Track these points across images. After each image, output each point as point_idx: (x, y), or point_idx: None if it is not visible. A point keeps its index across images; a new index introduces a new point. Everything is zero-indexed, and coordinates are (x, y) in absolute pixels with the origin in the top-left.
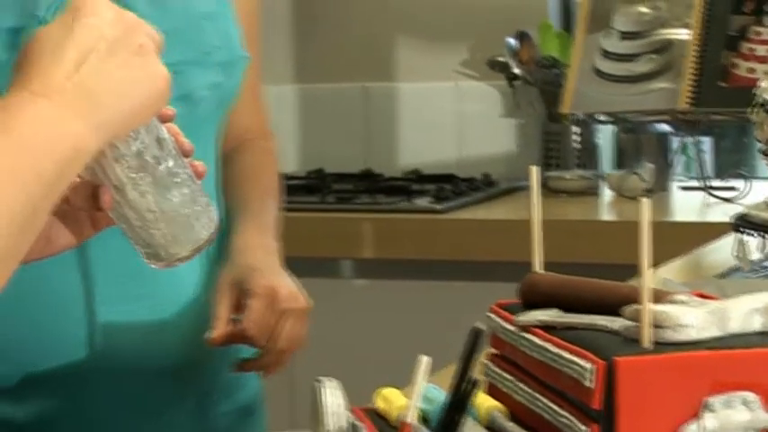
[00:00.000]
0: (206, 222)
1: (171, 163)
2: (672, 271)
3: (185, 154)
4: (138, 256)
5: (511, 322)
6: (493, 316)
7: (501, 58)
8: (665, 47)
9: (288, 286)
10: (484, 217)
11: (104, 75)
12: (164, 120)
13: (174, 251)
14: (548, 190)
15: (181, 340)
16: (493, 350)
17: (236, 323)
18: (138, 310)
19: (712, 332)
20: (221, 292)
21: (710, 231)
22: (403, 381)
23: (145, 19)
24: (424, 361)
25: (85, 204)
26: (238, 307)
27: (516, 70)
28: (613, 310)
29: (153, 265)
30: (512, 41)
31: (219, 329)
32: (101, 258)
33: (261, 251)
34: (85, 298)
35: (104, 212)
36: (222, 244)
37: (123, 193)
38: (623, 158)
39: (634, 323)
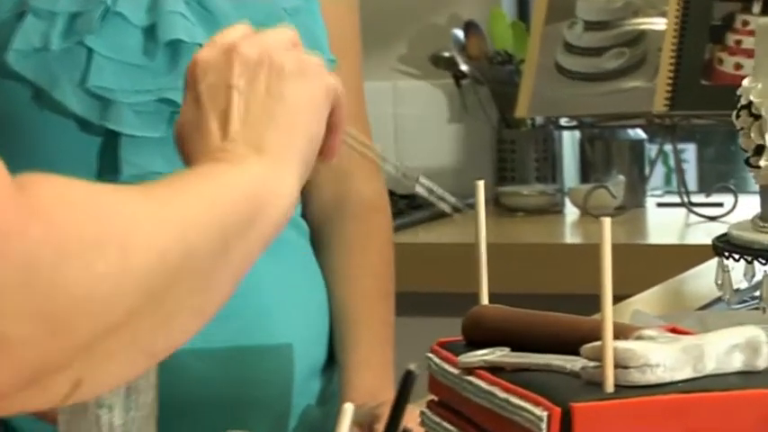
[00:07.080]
0: None
1: None
2: (647, 301)
3: None
4: None
5: (453, 363)
6: (432, 356)
7: (446, 54)
8: (638, 39)
9: None
10: (425, 240)
11: (252, 119)
12: None
13: None
14: (502, 208)
15: None
16: (432, 396)
17: None
18: None
19: (685, 372)
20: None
21: (692, 255)
22: None
23: (224, 14)
24: (349, 410)
25: None
26: None
27: (464, 67)
28: (572, 349)
29: None
30: (459, 34)
31: None
32: None
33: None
34: None
35: None
36: None
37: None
38: (590, 171)
39: (595, 363)
